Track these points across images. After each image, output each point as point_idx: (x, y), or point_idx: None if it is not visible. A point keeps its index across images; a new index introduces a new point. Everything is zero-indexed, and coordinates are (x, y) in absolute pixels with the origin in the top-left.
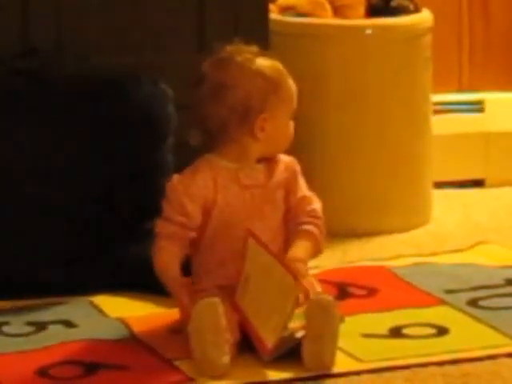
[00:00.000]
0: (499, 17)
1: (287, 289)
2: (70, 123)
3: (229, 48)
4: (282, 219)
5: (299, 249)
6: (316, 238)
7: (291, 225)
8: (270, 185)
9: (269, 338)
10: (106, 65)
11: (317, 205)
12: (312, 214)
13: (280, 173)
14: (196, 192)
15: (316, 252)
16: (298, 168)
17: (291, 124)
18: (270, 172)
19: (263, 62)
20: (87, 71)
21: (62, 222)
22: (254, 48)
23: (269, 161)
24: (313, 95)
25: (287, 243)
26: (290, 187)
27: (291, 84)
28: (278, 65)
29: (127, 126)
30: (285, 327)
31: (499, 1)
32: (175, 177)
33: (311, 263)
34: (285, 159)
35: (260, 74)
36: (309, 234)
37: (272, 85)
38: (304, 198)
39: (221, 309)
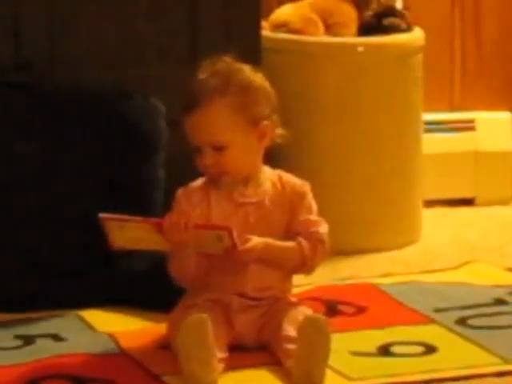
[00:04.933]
0: (491, 37)
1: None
2: (64, 138)
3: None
4: (279, 239)
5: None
6: (302, 250)
7: None
8: (267, 204)
9: None
10: (99, 80)
11: (322, 229)
12: (313, 236)
13: (281, 194)
14: (193, 207)
15: (299, 265)
16: (306, 191)
17: (196, 156)
18: (267, 191)
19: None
20: (80, 87)
21: (51, 235)
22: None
23: (273, 181)
24: (305, 112)
25: None
26: (293, 209)
27: (188, 119)
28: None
29: (119, 142)
30: None
31: (491, 20)
32: (180, 189)
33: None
34: (294, 181)
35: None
36: (298, 242)
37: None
38: (308, 220)
39: (209, 325)
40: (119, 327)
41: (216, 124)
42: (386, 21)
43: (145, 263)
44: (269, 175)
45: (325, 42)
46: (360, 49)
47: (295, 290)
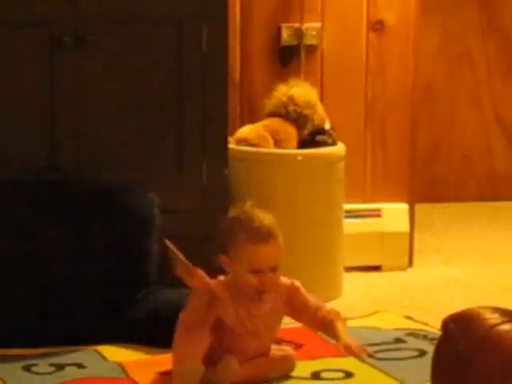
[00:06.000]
0: (393, 148)
1: None
2: (84, 223)
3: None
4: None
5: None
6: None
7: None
8: (264, 310)
9: None
10: (111, 179)
11: (325, 305)
12: (331, 311)
13: (279, 294)
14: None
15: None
16: (298, 286)
17: (250, 276)
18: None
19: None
20: (97, 185)
21: (79, 293)
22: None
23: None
24: (261, 203)
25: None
26: (295, 303)
27: (258, 249)
28: (266, 232)
29: (125, 224)
30: None
31: (393, 136)
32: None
33: None
34: (285, 282)
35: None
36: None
37: (234, 239)
38: (317, 308)
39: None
40: (125, 358)
41: (280, 252)
42: (318, 137)
43: (146, 311)
44: None
45: (274, 152)
46: (299, 158)
47: None
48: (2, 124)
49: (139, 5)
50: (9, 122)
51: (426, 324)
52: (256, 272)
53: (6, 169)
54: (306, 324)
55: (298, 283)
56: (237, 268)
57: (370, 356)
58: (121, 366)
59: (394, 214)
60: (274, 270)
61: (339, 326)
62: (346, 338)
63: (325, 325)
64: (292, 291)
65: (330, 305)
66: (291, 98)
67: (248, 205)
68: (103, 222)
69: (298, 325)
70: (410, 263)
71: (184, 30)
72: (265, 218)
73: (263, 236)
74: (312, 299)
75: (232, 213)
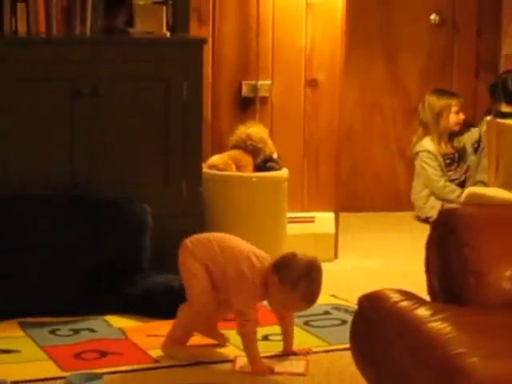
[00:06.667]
0: (324, 172)
1: None
2: (96, 226)
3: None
4: None
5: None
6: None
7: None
8: None
9: None
10: (116, 194)
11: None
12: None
13: None
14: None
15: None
16: None
17: (283, 308)
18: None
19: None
20: (104, 197)
21: (93, 277)
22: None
23: None
24: (224, 216)
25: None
26: None
27: (303, 305)
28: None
29: (126, 227)
30: None
31: (325, 163)
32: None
33: None
34: None
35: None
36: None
37: (294, 283)
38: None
39: None
40: (126, 325)
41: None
42: (268, 164)
43: (141, 290)
44: None
45: (236, 175)
46: (254, 179)
47: None
48: (33, 152)
49: (138, 68)
50: (38, 150)
51: (347, 300)
52: (292, 308)
53: (36, 186)
54: (273, 310)
55: None
56: (279, 295)
57: (308, 353)
58: (122, 331)
59: (324, 220)
60: None
61: (291, 332)
62: (290, 345)
63: (285, 323)
64: None
65: None
66: (249, 135)
67: (318, 260)
68: (110, 226)
69: None
70: (336, 256)
71: (170, 84)
72: (321, 283)
73: (313, 300)
74: None
75: (307, 258)
